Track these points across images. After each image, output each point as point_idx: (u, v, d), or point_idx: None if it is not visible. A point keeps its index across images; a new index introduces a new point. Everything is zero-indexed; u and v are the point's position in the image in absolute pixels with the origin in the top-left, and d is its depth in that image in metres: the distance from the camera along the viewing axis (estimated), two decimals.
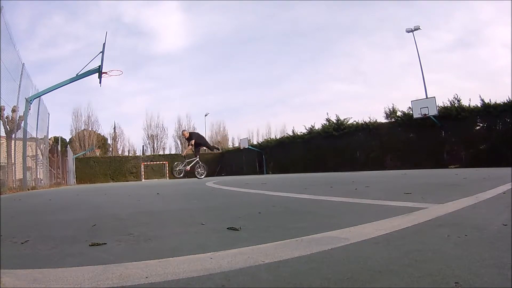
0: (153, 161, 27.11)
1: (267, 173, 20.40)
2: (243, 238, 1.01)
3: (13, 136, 7.88)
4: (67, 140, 33.83)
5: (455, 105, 12.93)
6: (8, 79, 7.04)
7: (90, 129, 36.54)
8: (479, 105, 12.25)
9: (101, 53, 8.44)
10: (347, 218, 1.31)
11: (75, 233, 1.25)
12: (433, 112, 12.60)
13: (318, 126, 18.67)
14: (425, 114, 12.73)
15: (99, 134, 37.69)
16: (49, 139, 15.12)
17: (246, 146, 22.47)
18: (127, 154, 34.72)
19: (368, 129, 15.86)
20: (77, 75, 8.69)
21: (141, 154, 30.96)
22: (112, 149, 38.55)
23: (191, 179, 8.94)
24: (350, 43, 50.54)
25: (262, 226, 1.22)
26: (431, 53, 44.58)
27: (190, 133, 10.10)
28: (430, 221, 1.13)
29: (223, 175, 23.25)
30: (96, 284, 0.64)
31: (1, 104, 6.98)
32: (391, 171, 10.43)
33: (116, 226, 1.39)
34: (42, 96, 9.26)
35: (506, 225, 0.98)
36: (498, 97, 20.95)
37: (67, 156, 19.54)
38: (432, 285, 0.56)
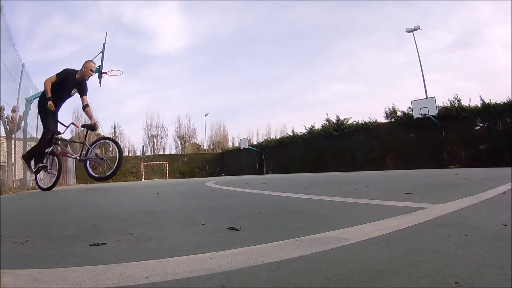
0: (153, 161, 27.13)
1: (267, 173, 20.41)
2: (243, 238, 1.00)
3: (13, 136, 7.88)
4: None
5: (455, 105, 12.95)
6: (8, 79, 7.04)
7: None
8: (479, 105, 12.27)
9: (101, 53, 8.45)
10: (347, 218, 1.31)
11: (75, 233, 1.25)
12: (433, 112, 12.62)
13: (318, 126, 18.72)
14: (425, 114, 12.75)
15: (99, 134, 37.67)
16: None
17: (246, 146, 22.48)
18: (127, 154, 34.69)
19: (368, 129, 15.88)
20: None
21: (141, 154, 30.99)
22: (112, 149, 38.48)
23: (191, 179, 8.83)
24: (349, 44, 50.63)
25: (262, 226, 1.22)
26: (430, 53, 44.68)
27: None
28: (430, 221, 1.13)
29: (223, 175, 23.26)
30: (96, 284, 0.64)
31: (1, 104, 6.98)
32: (391, 171, 10.43)
33: (116, 226, 1.39)
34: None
35: (506, 225, 0.98)
36: (498, 97, 21.02)
37: None
38: (432, 285, 0.56)
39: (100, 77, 8.71)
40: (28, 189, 7.48)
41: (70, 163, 20.96)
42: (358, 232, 1.00)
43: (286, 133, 23.28)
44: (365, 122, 16.17)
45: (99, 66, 8.59)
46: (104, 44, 8.44)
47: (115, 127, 39.46)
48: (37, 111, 5.15)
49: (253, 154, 22.67)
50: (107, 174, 5.37)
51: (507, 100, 11.41)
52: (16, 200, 3.75)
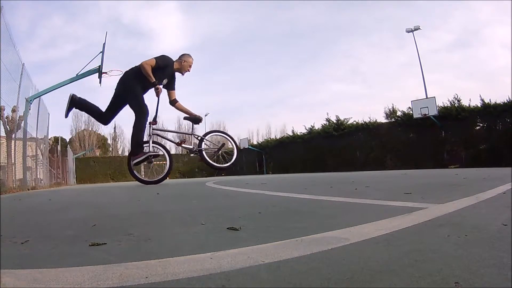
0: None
1: (267, 173, 20.40)
2: (243, 238, 1.00)
3: (13, 136, 7.89)
4: (67, 140, 33.83)
5: (455, 105, 12.96)
6: (8, 79, 7.05)
7: (90, 129, 36.53)
8: (479, 105, 12.28)
9: (101, 53, 8.44)
10: (347, 218, 1.31)
11: (75, 233, 1.25)
12: (433, 112, 12.63)
13: (318, 126, 18.74)
14: (425, 114, 12.76)
15: (99, 134, 37.71)
16: (49, 139, 15.12)
17: (246, 146, 22.49)
18: (127, 154, 34.68)
19: (368, 129, 15.88)
20: (77, 75, 8.69)
21: None
22: (112, 149, 38.54)
23: (191, 179, 8.75)
24: (349, 44, 50.72)
25: (262, 226, 1.22)
26: (430, 53, 44.77)
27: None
28: (430, 221, 1.12)
29: (223, 175, 23.25)
30: (96, 284, 0.64)
31: (1, 104, 6.99)
32: (391, 171, 10.43)
33: (116, 226, 1.39)
34: (42, 96, 9.27)
35: (506, 225, 0.98)
36: (498, 97, 21.05)
37: (67, 156, 19.54)
38: (432, 285, 0.56)
39: (100, 77, 8.71)
40: (28, 189, 7.48)
41: (70, 164, 20.98)
42: (358, 232, 1.00)
43: (286, 133, 23.31)
44: (365, 122, 16.17)
45: (99, 66, 8.59)
46: (104, 44, 8.43)
47: (115, 127, 39.48)
48: (124, 92, 4.51)
49: (253, 154, 22.67)
50: (226, 164, 5.39)
51: (507, 100, 11.42)
52: (16, 200, 3.75)
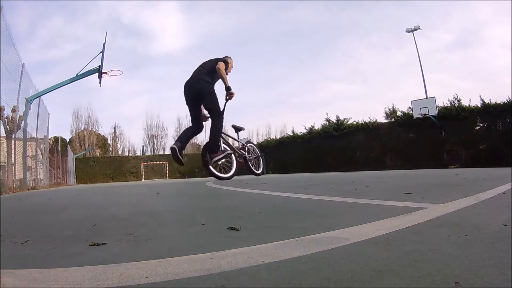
0: (153, 161, 27.11)
1: (267, 173, 20.39)
2: (243, 238, 1.00)
3: (13, 136, 7.89)
4: (67, 140, 33.84)
5: (455, 105, 12.94)
6: (8, 79, 7.06)
7: (90, 129, 36.53)
8: (479, 105, 12.26)
9: (101, 53, 8.45)
10: (347, 218, 1.31)
11: (75, 233, 1.25)
12: (433, 112, 12.62)
13: (318, 126, 18.68)
14: (425, 114, 12.76)
15: (99, 134, 37.71)
16: (49, 139, 15.12)
17: None
18: (127, 154, 34.71)
19: (368, 129, 15.85)
20: (77, 75, 8.70)
21: (141, 154, 30.95)
22: (112, 149, 38.53)
23: (191, 179, 8.70)
24: (349, 44, 50.76)
25: (262, 226, 1.22)
26: (430, 53, 44.81)
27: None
28: (430, 221, 1.12)
29: None
30: (96, 284, 0.64)
31: (1, 104, 6.99)
32: (391, 171, 10.42)
33: (116, 226, 1.39)
34: (42, 96, 9.28)
35: (506, 225, 0.98)
36: (498, 97, 21.04)
37: (67, 156, 19.54)
38: (432, 285, 0.56)
39: (100, 77, 8.71)
40: (28, 189, 7.48)
41: (70, 164, 20.98)
42: (358, 232, 1.00)
43: (286, 133, 23.27)
44: (365, 122, 16.14)
45: (99, 66, 8.59)
46: (104, 44, 8.45)
47: (115, 127, 39.49)
48: (200, 95, 4.69)
49: None
50: (258, 171, 6.21)
51: (507, 100, 11.40)
52: (16, 200, 3.75)
